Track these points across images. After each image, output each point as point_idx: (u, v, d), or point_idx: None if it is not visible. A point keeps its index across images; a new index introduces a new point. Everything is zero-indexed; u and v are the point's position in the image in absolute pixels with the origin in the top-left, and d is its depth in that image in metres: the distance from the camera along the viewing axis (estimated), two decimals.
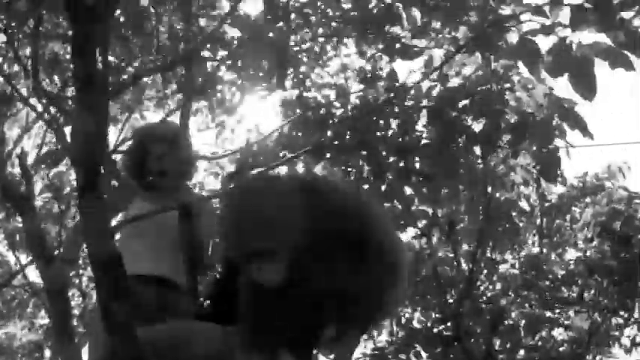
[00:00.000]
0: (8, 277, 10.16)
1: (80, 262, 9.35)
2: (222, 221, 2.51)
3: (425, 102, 5.86)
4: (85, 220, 2.47)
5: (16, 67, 6.74)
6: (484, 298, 6.03)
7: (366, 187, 5.80)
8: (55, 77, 6.67)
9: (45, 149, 8.71)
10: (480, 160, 4.80)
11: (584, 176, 7.30)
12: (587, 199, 7.12)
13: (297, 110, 6.91)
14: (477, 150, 4.72)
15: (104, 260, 2.45)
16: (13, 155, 7.84)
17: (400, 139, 5.80)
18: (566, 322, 5.80)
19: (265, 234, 2.15)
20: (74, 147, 2.59)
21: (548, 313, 5.82)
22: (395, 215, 5.78)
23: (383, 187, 5.77)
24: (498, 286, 6.01)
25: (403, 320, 7.61)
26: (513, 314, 5.89)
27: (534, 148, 4.64)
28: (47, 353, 10.39)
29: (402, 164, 5.93)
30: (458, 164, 4.04)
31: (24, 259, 9.92)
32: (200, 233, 3.36)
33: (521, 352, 5.92)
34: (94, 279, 2.45)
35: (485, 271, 6.34)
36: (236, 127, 7.89)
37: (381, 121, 6.03)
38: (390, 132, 5.86)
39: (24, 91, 7.16)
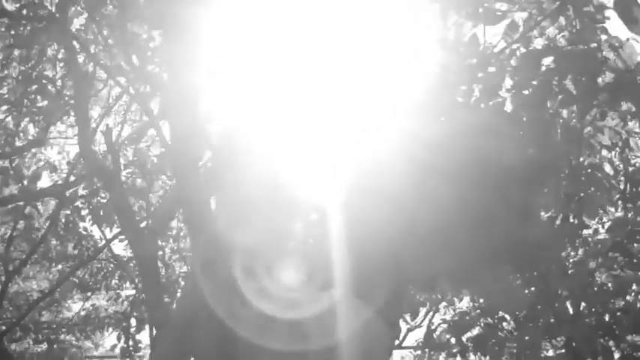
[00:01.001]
0: (94, 251, 10.47)
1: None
2: None
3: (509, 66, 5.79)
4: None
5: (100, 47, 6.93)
6: (570, 261, 5.99)
7: None
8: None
9: (127, 127, 8.90)
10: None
11: None
12: None
13: None
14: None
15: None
16: (97, 133, 8.05)
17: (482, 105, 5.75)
18: None
19: None
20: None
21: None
22: None
23: None
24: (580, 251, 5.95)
25: None
26: (603, 277, 5.83)
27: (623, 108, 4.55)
28: (133, 323, 10.65)
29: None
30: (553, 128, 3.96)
31: (108, 233, 10.22)
32: None
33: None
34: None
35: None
36: None
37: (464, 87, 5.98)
38: (473, 99, 5.81)
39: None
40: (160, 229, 3.85)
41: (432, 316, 9.12)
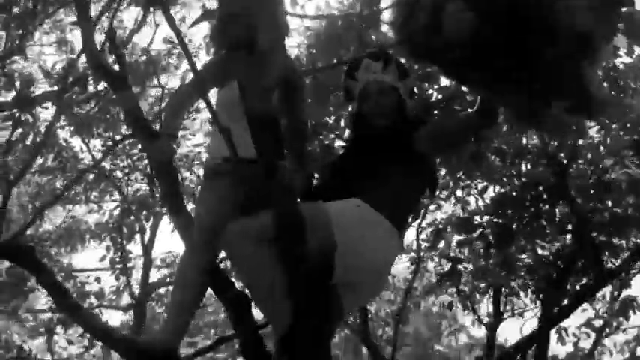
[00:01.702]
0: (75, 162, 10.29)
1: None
2: None
3: None
4: (246, 78, 2.53)
5: None
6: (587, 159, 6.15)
7: None
8: None
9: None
10: None
11: None
12: None
13: None
14: None
15: (264, 117, 2.51)
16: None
17: None
18: None
19: None
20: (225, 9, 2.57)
21: None
22: None
23: None
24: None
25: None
26: (615, 175, 5.99)
27: None
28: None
29: None
30: None
31: (92, 144, 10.06)
32: (302, 108, 3.40)
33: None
34: (253, 140, 2.51)
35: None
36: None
37: None
38: None
39: None
40: (172, 133, 3.75)
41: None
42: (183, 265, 3.42)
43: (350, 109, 3.41)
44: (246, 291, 3.19)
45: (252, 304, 3.32)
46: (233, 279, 3.66)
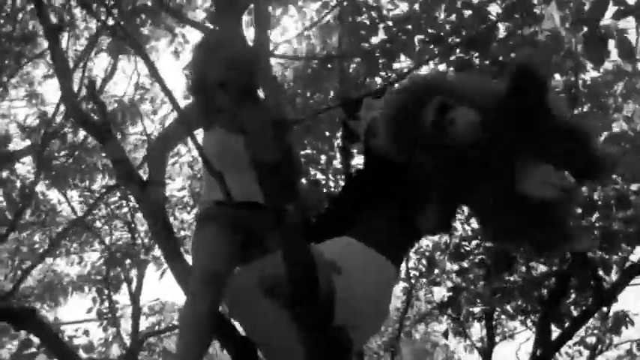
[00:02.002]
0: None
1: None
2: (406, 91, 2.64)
3: None
4: (249, 126, 2.49)
5: None
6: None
7: None
8: None
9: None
10: None
11: None
12: None
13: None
14: None
15: (271, 163, 2.47)
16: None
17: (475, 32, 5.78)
18: None
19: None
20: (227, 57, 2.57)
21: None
22: None
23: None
24: None
25: None
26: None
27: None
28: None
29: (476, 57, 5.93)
30: (607, 43, 3.92)
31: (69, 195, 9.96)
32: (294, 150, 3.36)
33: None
34: (260, 183, 2.47)
35: None
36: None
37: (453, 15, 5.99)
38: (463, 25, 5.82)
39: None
40: (160, 180, 3.70)
41: None
42: (185, 314, 3.33)
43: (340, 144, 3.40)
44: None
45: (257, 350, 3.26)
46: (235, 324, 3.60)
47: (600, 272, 6.29)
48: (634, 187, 5.91)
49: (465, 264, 6.78)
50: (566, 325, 6.43)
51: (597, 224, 6.09)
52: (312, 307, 2.51)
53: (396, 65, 6.76)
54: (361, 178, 3.21)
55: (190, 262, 3.55)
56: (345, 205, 3.06)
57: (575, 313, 6.61)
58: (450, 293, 6.95)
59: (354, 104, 3.23)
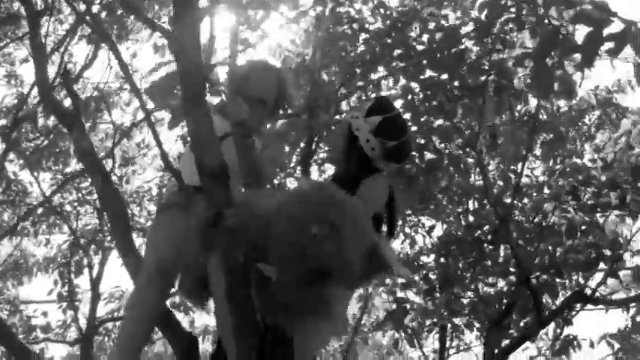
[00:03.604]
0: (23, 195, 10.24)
1: None
2: None
3: (472, 14, 6.00)
4: (194, 133, 2.60)
5: None
6: (527, 206, 6.37)
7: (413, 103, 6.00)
8: None
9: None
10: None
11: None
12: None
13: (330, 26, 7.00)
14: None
15: (215, 170, 2.59)
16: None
17: (446, 53, 5.94)
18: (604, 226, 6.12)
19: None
20: (181, 68, 2.67)
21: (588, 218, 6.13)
22: (442, 130, 6.02)
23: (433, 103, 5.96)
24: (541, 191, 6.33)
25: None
26: (555, 219, 6.19)
27: None
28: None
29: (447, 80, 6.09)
30: (553, 79, 4.05)
31: (42, 177, 10.02)
32: (257, 157, 3.45)
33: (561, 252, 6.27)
34: (203, 188, 2.58)
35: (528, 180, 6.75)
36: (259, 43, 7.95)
37: (426, 35, 6.15)
38: (435, 45, 5.99)
39: None
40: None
41: None
42: (133, 300, 3.41)
43: None
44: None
45: (199, 345, 3.38)
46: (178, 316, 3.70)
47: (545, 297, 6.49)
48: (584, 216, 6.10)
49: (416, 277, 6.95)
50: (506, 343, 6.60)
51: (547, 250, 6.28)
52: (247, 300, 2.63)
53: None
54: None
55: (144, 251, 3.64)
56: None
57: (515, 334, 6.79)
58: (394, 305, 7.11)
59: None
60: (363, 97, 6.87)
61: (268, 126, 3.91)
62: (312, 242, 2.42)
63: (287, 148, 6.81)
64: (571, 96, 4.47)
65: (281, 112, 3.83)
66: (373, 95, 6.62)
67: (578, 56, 4.87)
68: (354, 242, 2.46)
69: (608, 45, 3.26)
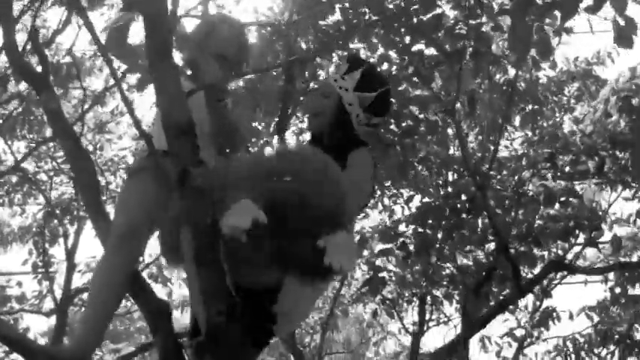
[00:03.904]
0: None
1: None
2: None
3: None
4: (160, 88, 2.52)
5: None
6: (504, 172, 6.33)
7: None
8: None
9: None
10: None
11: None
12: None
13: None
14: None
15: (182, 126, 2.51)
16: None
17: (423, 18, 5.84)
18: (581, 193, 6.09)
19: None
20: (146, 19, 2.58)
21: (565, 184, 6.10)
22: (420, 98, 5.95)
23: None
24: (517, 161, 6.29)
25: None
26: (533, 187, 6.16)
27: None
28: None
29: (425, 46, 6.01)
30: (531, 35, 3.93)
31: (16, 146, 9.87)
32: (228, 117, 3.38)
33: (539, 222, 6.24)
34: (169, 145, 2.51)
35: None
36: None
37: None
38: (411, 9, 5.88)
39: None
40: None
41: None
42: (101, 268, 3.33)
43: None
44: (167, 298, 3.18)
45: (172, 312, 3.30)
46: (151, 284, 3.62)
47: (524, 266, 6.48)
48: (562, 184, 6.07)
49: (393, 246, 6.90)
50: (484, 312, 6.60)
51: (525, 219, 6.25)
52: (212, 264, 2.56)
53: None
54: None
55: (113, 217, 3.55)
56: None
57: (492, 303, 6.79)
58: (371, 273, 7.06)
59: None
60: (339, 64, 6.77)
61: (233, 84, 3.82)
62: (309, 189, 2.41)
63: (260, 114, 6.72)
64: (548, 56, 4.40)
65: (243, 69, 3.74)
66: None
67: (555, 22, 4.84)
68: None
69: (587, 2, 3.22)
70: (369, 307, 11.15)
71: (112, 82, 8.81)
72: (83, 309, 10.44)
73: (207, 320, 2.60)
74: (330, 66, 7.08)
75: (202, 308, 2.61)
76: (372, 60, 6.41)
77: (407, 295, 8.12)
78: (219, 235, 2.51)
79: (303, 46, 7.18)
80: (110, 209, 5.64)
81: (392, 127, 6.00)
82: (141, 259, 3.57)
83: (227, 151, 3.47)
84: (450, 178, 7.51)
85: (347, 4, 6.65)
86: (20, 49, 6.62)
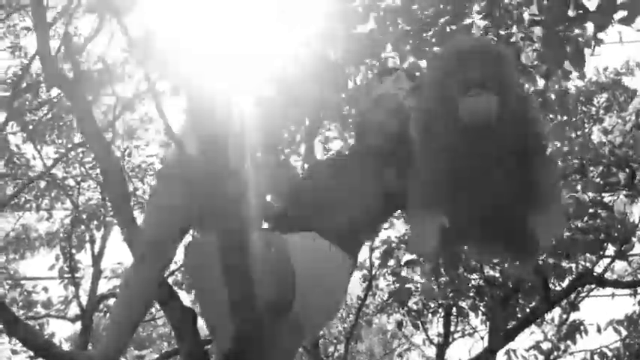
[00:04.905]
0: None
1: None
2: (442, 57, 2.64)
3: None
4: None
5: None
6: None
7: None
8: None
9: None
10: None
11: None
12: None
13: None
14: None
15: (212, 134, 2.48)
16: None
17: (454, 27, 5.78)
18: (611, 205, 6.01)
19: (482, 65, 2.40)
20: None
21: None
22: None
23: None
24: None
25: None
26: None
27: None
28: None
29: None
30: (565, 46, 3.86)
31: (45, 151, 9.96)
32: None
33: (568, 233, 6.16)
34: (202, 152, 2.49)
35: None
36: None
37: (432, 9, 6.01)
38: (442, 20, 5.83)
39: None
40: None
41: None
42: (129, 275, 3.32)
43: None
44: (194, 304, 3.17)
45: (198, 318, 3.28)
46: (177, 291, 3.61)
47: (552, 279, 6.40)
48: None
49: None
50: (512, 325, 6.53)
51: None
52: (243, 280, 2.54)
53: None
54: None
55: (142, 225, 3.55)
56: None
57: (519, 315, 6.71)
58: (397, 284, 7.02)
59: (388, 71, 3.16)
60: (370, 75, 6.75)
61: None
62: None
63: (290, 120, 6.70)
64: (582, 67, 4.32)
65: None
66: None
67: (586, 33, 4.78)
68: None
69: (622, 14, 3.17)
70: (393, 318, 11.12)
71: (142, 88, 8.87)
72: (108, 315, 10.53)
73: (237, 331, 2.59)
74: (358, 75, 7.05)
75: (226, 323, 2.61)
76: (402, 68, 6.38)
77: (432, 306, 8.07)
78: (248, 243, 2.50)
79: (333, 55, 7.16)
80: (138, 215, 5.66)
81: None
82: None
83: (258, 155, 3.46)
84: None
85: (382, 13, 6.62)
86: (54, 55, 6.68)
